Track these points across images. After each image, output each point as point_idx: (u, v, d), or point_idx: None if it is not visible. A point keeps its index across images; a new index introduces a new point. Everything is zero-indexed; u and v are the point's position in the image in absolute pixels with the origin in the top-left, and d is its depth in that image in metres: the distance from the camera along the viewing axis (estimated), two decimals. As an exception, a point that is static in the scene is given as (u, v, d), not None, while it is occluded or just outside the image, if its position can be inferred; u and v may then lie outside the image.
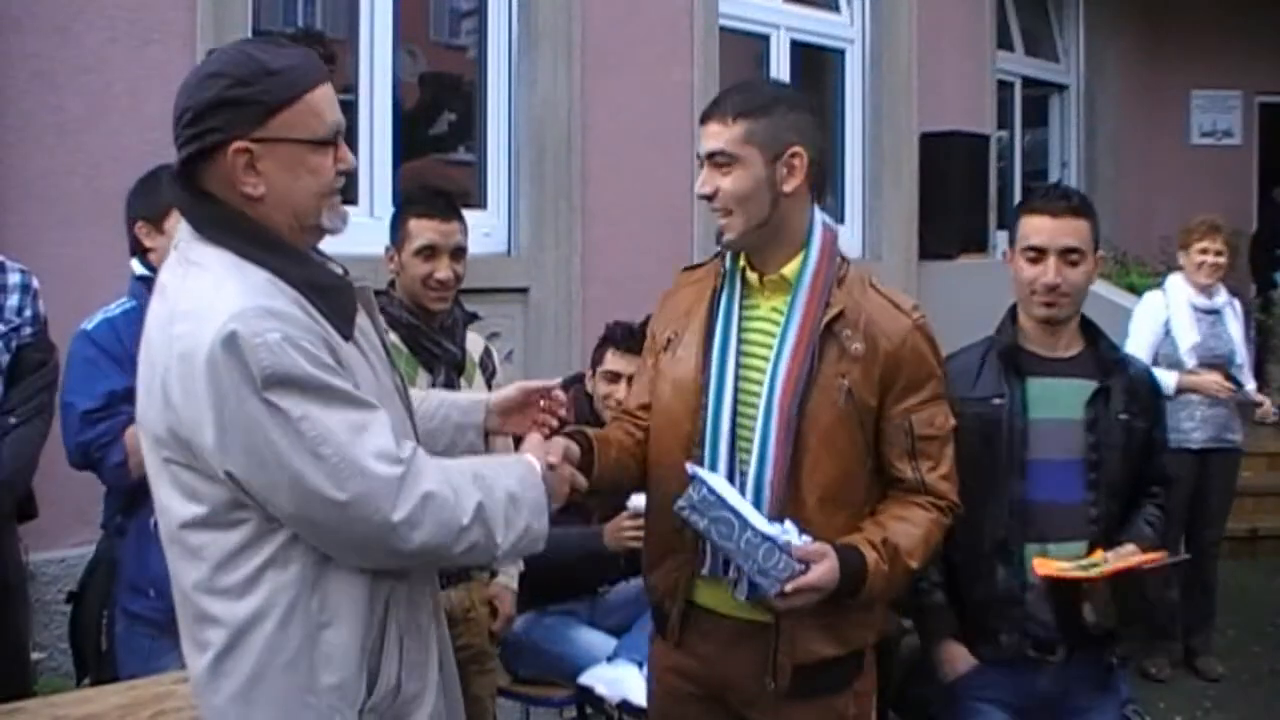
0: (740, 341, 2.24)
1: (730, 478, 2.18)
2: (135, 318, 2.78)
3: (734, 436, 2.21)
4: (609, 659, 3.52)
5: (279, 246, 1.74)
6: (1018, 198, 8.79)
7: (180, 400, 1.65)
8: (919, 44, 7.14)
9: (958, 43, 7.54)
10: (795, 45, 6.81)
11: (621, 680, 3.45)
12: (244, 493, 1.66)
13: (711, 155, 2.18)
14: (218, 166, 1.72)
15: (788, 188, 2.17)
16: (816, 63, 7.10)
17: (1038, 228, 2.62)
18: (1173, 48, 9.43)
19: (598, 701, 3.52)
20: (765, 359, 2.20)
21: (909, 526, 2.20)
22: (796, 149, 2.17)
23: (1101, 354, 2.70)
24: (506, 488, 1.80)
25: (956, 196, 7.12)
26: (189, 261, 1.73)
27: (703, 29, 5.97)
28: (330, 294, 1.76)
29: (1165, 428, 2.82)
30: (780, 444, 2.15)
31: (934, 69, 7.24)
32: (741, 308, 2.26)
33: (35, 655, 3.44)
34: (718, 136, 2.16)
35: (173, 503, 1.73)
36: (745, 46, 6.68)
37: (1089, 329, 2.74)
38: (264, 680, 1.71)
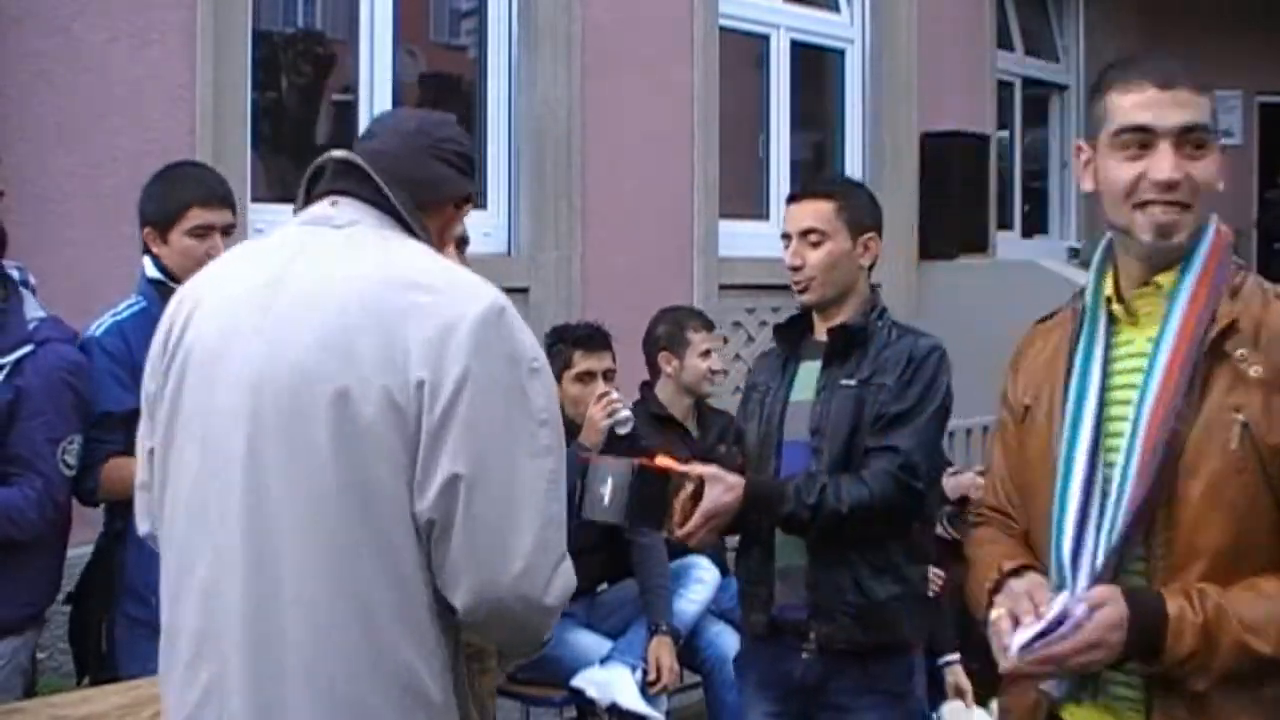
0: (1104, 389, 1.77)
1: (1076, 551, 1.71)
2: (145, 320, 2.75)
3: (1084, 507, 1.72)
4: (602, 661, 3.51)
5: None
6: (1018, 198, 8.79)
7: (416, 364, 1.56)
8: (919, 44, 7.13)
9: (958, 43, 7.53)
10: (795, 45, 6.80)
11: (612, 683, 3.44)
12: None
13: None
14: (444, 205, 1.80)
15: None
16: (816, 63, 7.10)
17: (788, 216, 2.71)
18: (1173, 48, 9.41)
19: (590, 704, 3.52)
20: (1131, 402, 1.73)
21: (1253, 595, 1.65)
22: None
23: (853, 320, 2.65)
24: None
25: (956, 196, 7.11)
26: (388, 239, 1.69)
27: (703, 29, 5.97)
28: None
29: (921, 393, 2.56)
30: (1136, 498, 1.67)
31: (934, 69, 7.24)
32: (1108, 346, 1.79)
33: (39, 655, 3.43)
34: None
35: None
36: (745, 46, 6.68)
37: (878, 307, 2.72)
38: None
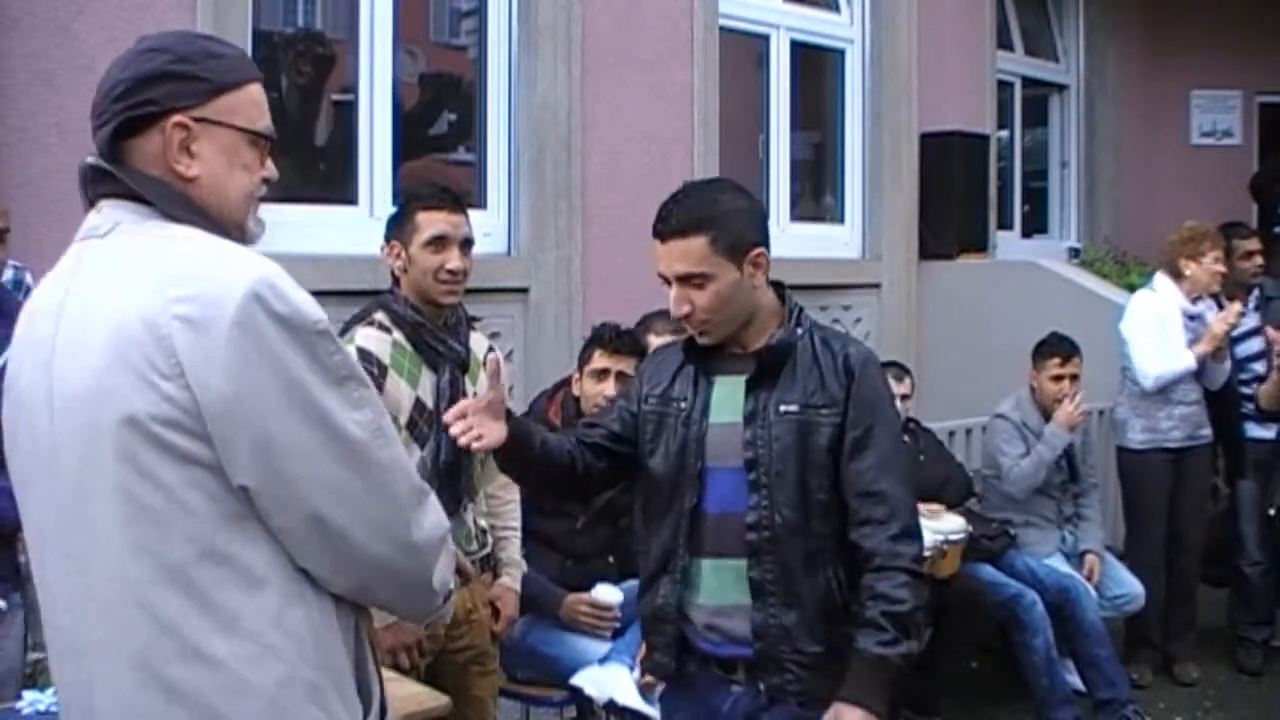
0: None
1: None
2: None
3: None
4: (601, 660, 3.52)
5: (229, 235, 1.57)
6: (1018, 198, 8.80)
7: (188, 370, 1.42)
8: (919, 44, 7.14)
9: (958, 43, 7.54)
10: (795, 45, 6.81)
11: (609, 681, 3.45)
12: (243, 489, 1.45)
13: None
14: (148, 143, 1.55)
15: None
16: (816, 63, 7.10)
17: (658, 255, 2.33)
18: (1173, 48, 9.42)
19: (589, 703, 3.52)
20: None
21: None
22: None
23: (779, 338, 2.34)
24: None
25: (956, 196, 7.12)
26: (162, 237, 1.51)
27: (703, 29, 5.97)
28: None
29: (884, 421, 2.33)
30: None
31: (934, 69, 7.24)
32: None
33: (35, 655, 3.44)
34: None
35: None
36: (745, 46, 6.69)
37: (795, 313, 2.40)
38: None
